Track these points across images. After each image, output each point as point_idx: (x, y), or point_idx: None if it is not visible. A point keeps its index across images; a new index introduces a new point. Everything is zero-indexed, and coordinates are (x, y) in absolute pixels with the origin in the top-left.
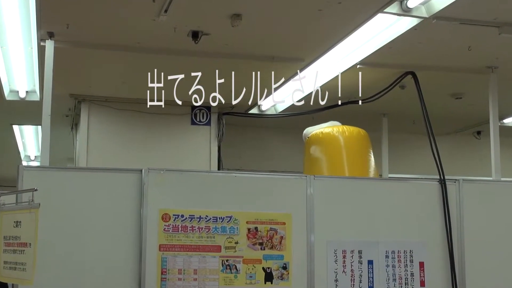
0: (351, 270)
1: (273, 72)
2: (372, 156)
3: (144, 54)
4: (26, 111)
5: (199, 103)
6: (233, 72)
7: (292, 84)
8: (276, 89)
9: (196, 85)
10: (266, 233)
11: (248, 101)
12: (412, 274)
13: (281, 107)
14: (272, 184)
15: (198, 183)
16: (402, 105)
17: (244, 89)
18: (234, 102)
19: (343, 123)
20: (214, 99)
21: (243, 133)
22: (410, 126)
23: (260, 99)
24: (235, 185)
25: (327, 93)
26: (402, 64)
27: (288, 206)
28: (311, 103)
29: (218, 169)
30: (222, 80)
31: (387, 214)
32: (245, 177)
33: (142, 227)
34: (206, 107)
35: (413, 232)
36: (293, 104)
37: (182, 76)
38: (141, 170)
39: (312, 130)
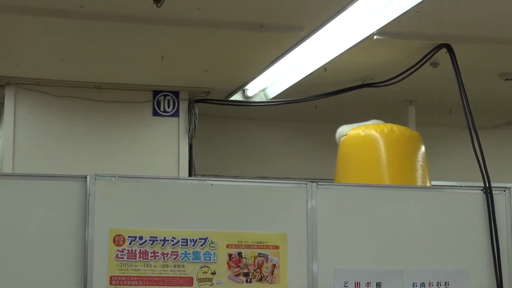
0: None
1: (262, 46)
2: (425, 166)
3: (90, 22)
4: None
5: (163, 87)
6: (208, 46)
7: (287, 61)
8: (266, 68)
9: (160, 63)
10: (253, 260)
11: (230, 84)
12: None
13: (273, 93)
14: (262, 194)
15: (162, 194)
16: (433, 89)
17: (224, 68)
18: (210, 86)
19: (356, 113)
20: (183, 81)
21: (222, 126)
22: (445, 117)
23: (246, 81)
24: (212, 196)
25: (334, 73)
26: (434, 34)
27: (283, 224)
28: (313, 87)
29: (190, 175)
30: (194, 56)
31: (414, 234)
32: (225, 185)
33: (86, 253)
34: (173, 92)
35: (449, 258)
36: (289, 89)
37: (140, 51)
38: (86, 177)
39: (348, 129)
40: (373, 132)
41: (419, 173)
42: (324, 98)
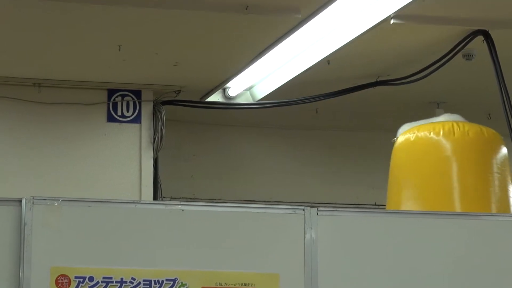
0: None
1: (247, 32)
2: (508, 181)
3: (26, 3)
4: None
5: (121, 85)
6: (178, 32)
7: (280, 52)
8: (253, 61)
9: (116, 54)
10: None
11: (206, 81)
12: None
13: (262, 92)
14: (247, 223)
15: (120, 223)
16: (467, 87)
17: (199, 60)
18: (181, 83)
19: (369, 117)
20: (147, 77)
21: (197, 135)
22: (482, 122)
23: (227, 77)
24: (183, 225)
25: (340, 68)
26: (467, 17)
27: (274, 261)
28: (313, 86)
29: (155, 198)
30: (161, 45)
31: (445, 277)
32: (200, 211)
33: None
34: (134, 91)
35: None
36: (282, 88)
37: (90, 38)
38: (21, 201)
39: (405, 129)
40: (432, 133)
41: (503, 192)
42: (327, 100)
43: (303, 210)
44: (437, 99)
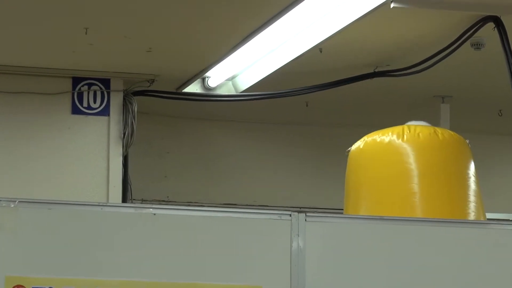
0: None
1: (230, 15)
2: (478, 189)
3: None
4: None
5: (88, 73)
6: (151, 13)
7: (266, 38)
8: (236, 47)
9: (82, 37)
10: None
11: (183, 69)
12: None
13: (245, 83)
14: (227, 229)
15: (84, 227)
16: (476, 80)
17: (175, 46)
18: (155, 72)
19: (365, 113)
20: (116, 64)
21: (172, 130)
22: (492, 120)
23: (207, 66)
24: (155, 231)
25: (333, 57)
26: (477, 2)
27: (257, 272)
28: (304, 77)
29: (124, 200)
30: (132, 29)
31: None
32: (174, 216)
33: None
34: (102, 80)
35: None
36: (268, 78)
37: (53, 20)
38: None
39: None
40: (387, 139)
41: (470, 199)
42: (319, 92)
43: (290, 215)
44: (442, 93)
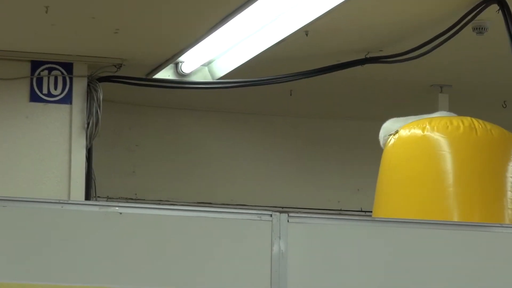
0: None
1: None
2: None
3: None
4: None
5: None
6: None
7: (246, 20)
8: (212, 29)
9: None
10: None
11: (154, 53)
12: None
13: (223, 69)
14: (201, 231)
15: (42, 227)
16: (477, 68)
17: (145, 27)
18: (122, 55)
19: (356, 103)
20: (80, 47)
21: (142, 121)
22: (495, 111)
23: (180, 49)
24: (121, 232)
25: (320, 41)
26: None
27: (234, 278)
28: (288, 62)
29: (87, 197)
30: (98, 8)
31: None
32: (143, 215)
33: None
34: (64, 64)
35: None
36: (249, 64)
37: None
38: None
39: (397, 126)
40: (439, 130)
41: (510, 199)
42: (304, 80)
43: (271, 216)
44: (441, 81)
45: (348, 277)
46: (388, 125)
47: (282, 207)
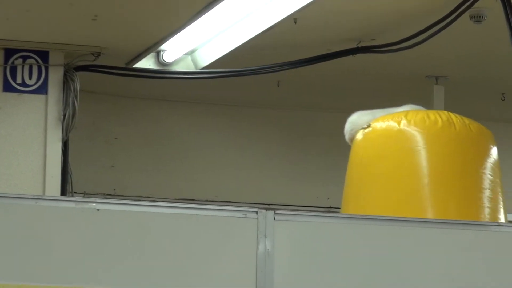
0: None
1: None
2: (500, 187)
3: None
4: None
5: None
6: None
7: (231, 6)
8: (196, 16)
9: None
10: None
11: (135, 41)
12: None
13: (207, 59)
14: (182, 229)
15: (15, 224)
16: (475, 58)
17: (125, 14)
18: (101, 44)
19: (346, 94)
20: (56, 34)
21: (121, 112)
22: (494, 104)
23: (162, 37)
24: (99, 230)
25: (309, 29)
26: None
27: (217, 279)
28: (275, 52)
29: (63, 193)
30: None
31: None
32: (121, 212)
33: None
34: (39, 52)
35: None
36: (234, 53)
37: None
38: None
39: (365, 120)
40: (416, 124)
41: (488, 197)
42: (293, 70)
43: (257, 213)
44: (436, 72)
45: (337, 278)
46: (355, 119)
47: (269, 204)
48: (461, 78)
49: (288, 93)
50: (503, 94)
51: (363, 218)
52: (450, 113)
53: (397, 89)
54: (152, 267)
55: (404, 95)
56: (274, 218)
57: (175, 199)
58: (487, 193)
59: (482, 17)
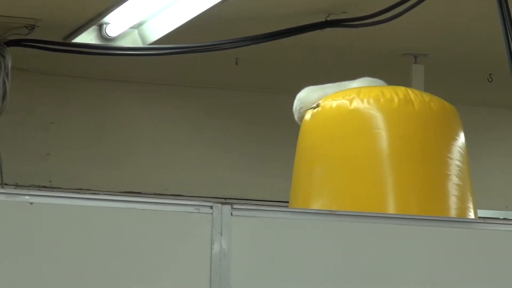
0: None
1: None
2: (467, 171)
3: None
4: None
5: None
6: None
7: None
8: None
9: None
10: None
11: (74, 13)
12: None
13: (156, 33)
14: (128, 224)
15: None
16: (458, 36)
17: None
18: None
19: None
20: None
21: (57, 94)
22: (480, 87)
23: (105, 9)
24: (33, 226)
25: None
26: None
27: (167, 281)
28: (233, 26)
29: None
30: None
31: None
32: (58, 205)
33: None
34: None
35: None
36: (186, 26)
37: None
38: None
39: (318, 96)
40: (370, 103)
41: (454, 184)
42: (253, 46)
43: (211, 208)
44: (415, 50)
45: (300, 279)
46: (304, 95)
47: (225, 198)
48: (443, 56)
49: (247, 72)
50: (490, 75)
51: (331, 213)
52: (408, 89)
53: (372, 68)
54: (93, 267)
55: (379, 75)
56: (231, 214)
57: (119, 192)
58: (454, 179)
59: None
